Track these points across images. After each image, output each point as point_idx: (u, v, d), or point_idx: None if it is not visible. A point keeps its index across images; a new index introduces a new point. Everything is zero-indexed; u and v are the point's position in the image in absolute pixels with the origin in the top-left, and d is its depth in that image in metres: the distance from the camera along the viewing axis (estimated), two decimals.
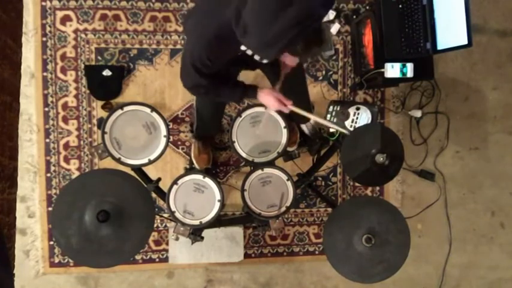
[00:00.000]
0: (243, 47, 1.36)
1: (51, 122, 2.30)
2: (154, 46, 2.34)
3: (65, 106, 2.31)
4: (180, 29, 2.34)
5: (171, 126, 2.35)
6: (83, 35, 2.31)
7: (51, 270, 2.31)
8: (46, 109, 2.29)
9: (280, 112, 1.74)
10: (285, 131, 1.74)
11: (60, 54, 2.29)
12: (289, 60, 1.45)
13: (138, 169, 1.73)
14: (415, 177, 2.56)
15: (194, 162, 2.25)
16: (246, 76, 2.35)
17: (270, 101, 1.58)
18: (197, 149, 2.25)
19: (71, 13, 2.29)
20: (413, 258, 2.53)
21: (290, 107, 1.60)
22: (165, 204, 1.66)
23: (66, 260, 2.31)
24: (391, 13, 2.06)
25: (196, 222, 1.65)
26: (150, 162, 1.63)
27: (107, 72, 2.29)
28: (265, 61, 1.44)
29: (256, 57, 1.44)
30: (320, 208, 2.49)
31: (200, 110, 1.92)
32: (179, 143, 2.38)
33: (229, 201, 2.40)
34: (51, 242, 2.30)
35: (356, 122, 1.77)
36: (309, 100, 2.02)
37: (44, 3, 2.27)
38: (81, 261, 1.51)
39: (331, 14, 2.40)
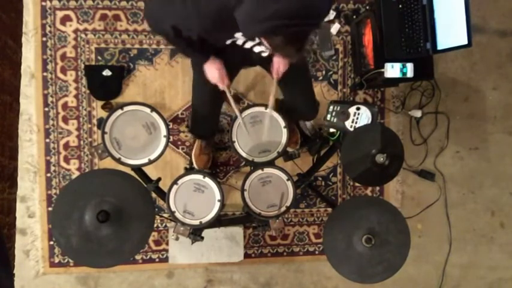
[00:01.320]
0: (236, 35, 1.34)
1: (51, 122, 2.30)
2: (154, 46, 2.34)
3: (65, 106, 2.31)
4: None
5: (171, 126, 2.35)
6: (83, 35, 2.31)
7: (51, 270, 2.31)
8: (46, 109, 2.29)
9: (280, 112, 1.74)
10: (285, 131, 1.74)
11: (60, 54, 2.29)
12: (278, 64, 1.48)
13: (138, 169, 1.73)
14: (415, 177, 2.56)
15: (193, 161, 2.25)
16: (247, 75, 2.36)
17: (212, 73, 1.59)
18: (198, 148, 2.24)
19: (71, 13, 2.29)
20: (413, 258, 2.53)
21: (224, 87, 1.63)
22: (165, 204, 1.66)
23: (66, 260, 2.31)
24: (391, 13, 2.06)
25: (196, 222, 1.64)
26: (150, 162, 1.63)
27: (107, 72, 2.29)
28: (248, 44, 1.43)
29: (247, 45, 1.43)
30: (320, 208, 2.49)
31: (196, 109, 1.91)
32: (179, 143, 2.38)
33: (229, 201, 2.40)
34: (51, 242, 2.30)
35: (356, 122, 1.76)
36: (314, 99, 1.99)
37: (44, 3, 2.27)
38: (81, 261, 1.51)
39: (331, 14, 2.41)
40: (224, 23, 1.22)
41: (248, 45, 1.46)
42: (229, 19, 1.15)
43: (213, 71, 1.59)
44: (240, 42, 1.43)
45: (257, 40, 1.42)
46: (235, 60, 1.64)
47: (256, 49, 1.49)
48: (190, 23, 1.31)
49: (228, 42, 1.45)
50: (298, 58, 1.21)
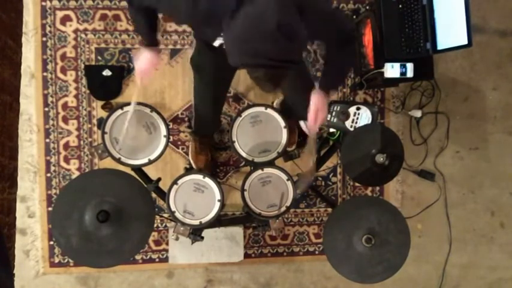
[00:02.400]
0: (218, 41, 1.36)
1: (51, 122, 2.30)
2: None
3: (65, 106, 2.31)
4: (180, 29, 2.34)
5: (171, 126, 2.35)
6: (83, 35, 2.31)
7: (51, 270, 2.31)
8: (46, 109, 2.29)
9: (280, 112, 1.74)
10: (285, 131, 1.74)
11: (60, 54, 2.29)
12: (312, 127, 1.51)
13: (138, 169, 1.73)
14: (415, 177, 2.56)
15: (192, 162, 2.25)
16: (247, 75, 2.36)
17: (141, 60, 1.56)
18: (194, 149, 2.24)
19: (71, 13, 2.29)
20: (413, 258, 2.53)
21: (139, 82, 1.57)
22: (165, 204, 1.66)
23: (66, 260, 2.31)
24: (391, 13, 2.06)
25: (196, 222, 1.65)
26: (150, 162, 1.63)
27: (107, 72, 2.29)
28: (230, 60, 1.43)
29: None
30: (320, 208, 2.49)
31: (198, 106, 1.91)
32: (179, 143, 2.38)
33: (229, 201, 2.40)
34: (51, 242, 2.30)
35: (356, 122, 1.77)
36: None
37: (44, 3, 2.27)
38: (81, 261, 1.51)
39: None
40: (213, 19, 1.23)
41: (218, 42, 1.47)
42: (218, 19, 1.17)
43: (146, 63, 1.55)
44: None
45: None
46: (227, 62, 1.64)
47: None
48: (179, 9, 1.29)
49: (217, 43, 1.46)
50: (273, 91, 1.24)
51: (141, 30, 1.55)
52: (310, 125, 1.56)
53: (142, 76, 1.58)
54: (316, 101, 1.53)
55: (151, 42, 1.56)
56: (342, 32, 1.42)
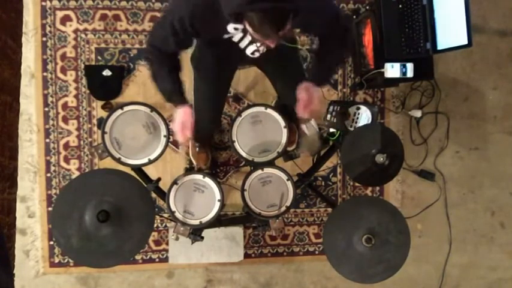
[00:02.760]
0: (229, 28, 1.35)
1: (51, 122, 2.30)
2: None
3: (65, 106, 2.31)
4: None
5: (171, 126, 2.34)
6: (83, 35, 2.31)
7: (51, 270, 2.31)
8: (46, 109, 2.29)
9: (280, 112, 1.74)
10: (285, 131, 1.74)
11: (60, 54, 2.29)
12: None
13: (138, 169, 1.73)
14: (415, 177, 2.56)
15: (193, 160, 2.25)
16: (247, 75, 2.36)
17: (182, 118, 1.53)
18: (194, 147, 2.25)
19: (71, 13, 2.29)
20: (413, 258, 2.53)
21: (184, 139, 1.54)
22: (165, 204, 1.66)
23: (66, 260, 2.31)
24: (391, 13, 2.06)
25: (196, 222, 1.64)
26: (150, 162, 1.63)
27: (107, 72, 2.29)
28: (242, 43, 1.43)
29: (241, 44, 1.43)
30: (320, 208, 2.49)
31: (198, 106, 1.91)
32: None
33: (229, 201, 2.40)
34: (51, 242, 2.30)
35: (356, 122, 1.76)
36: None
37: (44, 3, 2.27)
38: (81, 261, 1.51)
39: None
40: (214, 12, 1.26)
41: (243, 44, 1.46)
42: (219, 6, 1.21)
43: (184, 116, 1.52)
44: (236, 39, 1.44)
45: (249, 37, 1.43)
46: (231, 57, 1.64)
47: (249, 50, 1.49)
48: (183, 18, 1.33)
49: (225, 36, 1.45)
50: (277, 41, 1.23)
51: (168, 88, 1.52)
52: (298, 113, 1.55)
53: (183, 133, 1.52)
54: (304, 89, 1.54)
55: (178, 100, 1.53)
56: (334, 21, 1.45)
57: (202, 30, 1.40)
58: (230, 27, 1.36)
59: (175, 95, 1.54)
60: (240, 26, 1.34)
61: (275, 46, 1.29)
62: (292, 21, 1.18)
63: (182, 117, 1.53)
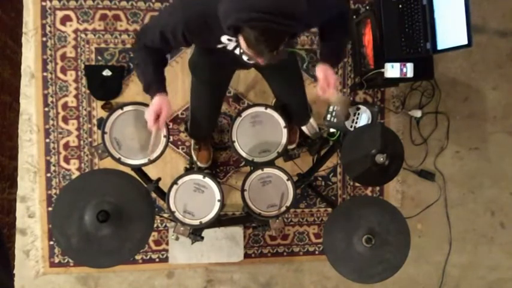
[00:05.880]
0: (223, 39, 1.36)
1: (51, 122, 2.30)
2: None
3: (65, 106, 2.31)
4: None
5: (171, 126, 2.35)
6: (83, 35, 2.31)
7: (51, 270, 2.31)
8: (46, 109, 2.29)
9: (280, 112, 1.74)
10: (285, 131, 1.74)
11: (60, 54, 2.29)
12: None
13: (138, 169, 1.73)
14: (415, 177, 2.56)
15: (195, 158, 2.25)
16: (247, 75, 2.36)
17: (150, 110, 1.48)
18: (196, 146, 2.25)
19: (71, 13, 2.29)
20: (413, 258, 2.53)
21: (154, 127, 1.48)
22: (165, 204, 1.66)
23: (66, 260, 2.31)
24: (391, 13, 2.06)
25: (196, 222, 1.64)
26: (150, 162, 1.63)
27: (107, 72, 2.29)
28: (237, 50, 1.42)
29: (236, 51, 1.43)
30: (320, 208, 2.49)
31: (194, 111, 1.91)
32: (179, 143, 2.38)
33: (229, 201, 2.40)
34: (51, 242, 2.30)
35: (356, 122, 1.76)
36: (306, 104, 2.01)
37: (44, 3, 2.27)
38: (81, 261, 1.51)
39: None
40: (210, 23, 1.27)
41: (238, 51, 1.46)
42: (215, 20, 1.21)
43: (158, 103, 1.47)
44: (230, 47, 1.44)
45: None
46: (228, 62, 1.64)
47: (245, 56, 1.49)
48: (177, 27, 1.33)
49: (219, 46, 1.46)
50: (269, 60, 1.22)
51: (148, 78, 1.50)
52: (323, 90, 1.53)
53: (154, 118, 1.47)
54: (321, 70, 1.52)
55: (162, 89, 1.50)
56: (337, 12, 1.47)
57: (195, 42, 1.40)
58: (224, 38, 1.37)
59: (155, 84, 1.50)
60: (234, 38, 1.34)
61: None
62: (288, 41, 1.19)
63: (156, 106, 1.47)
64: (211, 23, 1.26)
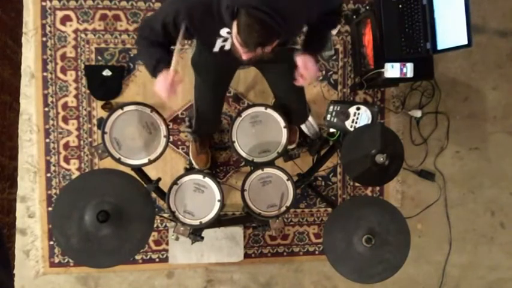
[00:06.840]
0: (222, 32, 1.38)
1: (51, 122, 2.30)
2: None
3: (65, 106, 2.31)
4: None
5: (171, 126, 2.35)
6: (83, 35, 2.31)
7: (51, 270, 2.31)
8: (46, 109, 2.29)
9: (280, 112, 1.73)
10: (284, 131, 1.74)
11: (60, 54, 2.29)
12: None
13: (138, 169, 1.73)
14: (415, 177, 2.56)
15: (193, 162, 2.25)
16: (247, 75, 2.36)
17: (160, 85, 1.46)
18: (195, 148, 2.25)
19: (71, 13, 2.29)
20: (413, 258, 2.53)
21: (166, 97, 1.46)
22: (165, 204, 1.66)
23: (66, 260, 2.31)
24: (391, 13, 2.06)
25: (196, 222, 1.65)
26: (150, 162, 1.63)
27: (107, 72, 2.29)
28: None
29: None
30: (320, 208, 2.49)
31: (199, 106, 1.92)
32: (179, 143, 2.38)
33: (229, 201, 2.40)
34: (51, 242, 2.30)
35: (356, 122, 1.76)
36: (305, 104, 2.01)
37: (44, 3, 2.27)
38: (81, 261, 1.51)
39: None
40: (211, 13, 1.31)
41: (227, 46, 1.48)
42: (216, 10, 1.27)
43: (164, 82, 1.46)
44: (227, 47, 1.46)
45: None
46: (230, 60, 1.64)
47: (228, 46, 1.51)
48: (179, 14, 1.35)
49: (216, 49, 1.48)
50: (251, 55, 1.27)
51: (157, 55, 1.46)
52: (298, 81, 1.58)
53: (165, 92, 1.45)
54: (301, 59, 1.55)
55: (161, 68, 1.46)
56: (330, 9, 1.53)
57: (196, 31, 1.41)
58: (223, 31, 1.39)
59: (163, 62, 1.47)
60: (231, 31, 1.35)
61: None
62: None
63: (160, 84, 1.46)
64: (213, 12, 1.30)
